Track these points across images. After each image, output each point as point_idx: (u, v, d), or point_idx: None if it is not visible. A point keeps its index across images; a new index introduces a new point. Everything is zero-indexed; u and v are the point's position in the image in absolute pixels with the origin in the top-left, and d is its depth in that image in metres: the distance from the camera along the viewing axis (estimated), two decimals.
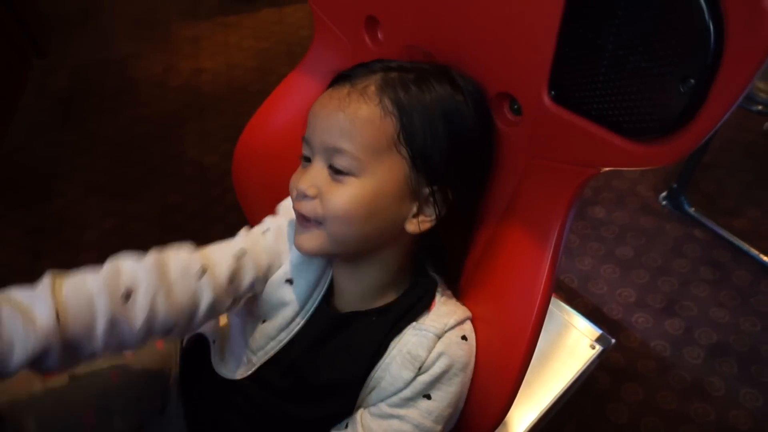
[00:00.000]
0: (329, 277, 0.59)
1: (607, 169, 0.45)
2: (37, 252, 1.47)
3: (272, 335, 0.60)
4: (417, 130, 0.52)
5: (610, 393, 1.14)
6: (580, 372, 0.97)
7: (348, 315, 0.59)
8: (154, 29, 2.36)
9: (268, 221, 0.62)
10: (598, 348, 0.99)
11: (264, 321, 0.60)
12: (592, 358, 0.98)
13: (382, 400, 0.56)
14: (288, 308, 0.59)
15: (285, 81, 0.75)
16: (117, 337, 0.47)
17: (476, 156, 0.57)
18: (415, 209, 0.54)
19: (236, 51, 2.20)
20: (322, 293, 0.59)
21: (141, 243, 1.56)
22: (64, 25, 2.40)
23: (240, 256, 0.56)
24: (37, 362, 0.44)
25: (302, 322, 0.59)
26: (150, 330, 0.49)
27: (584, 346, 1.01)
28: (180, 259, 0.52)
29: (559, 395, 0.94)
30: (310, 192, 0.53)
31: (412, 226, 0.55)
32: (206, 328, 0.68)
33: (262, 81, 1.99)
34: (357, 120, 0.51)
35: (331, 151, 0.52)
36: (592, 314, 1.22)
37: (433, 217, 0.55)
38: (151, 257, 0.51)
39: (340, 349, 0.58)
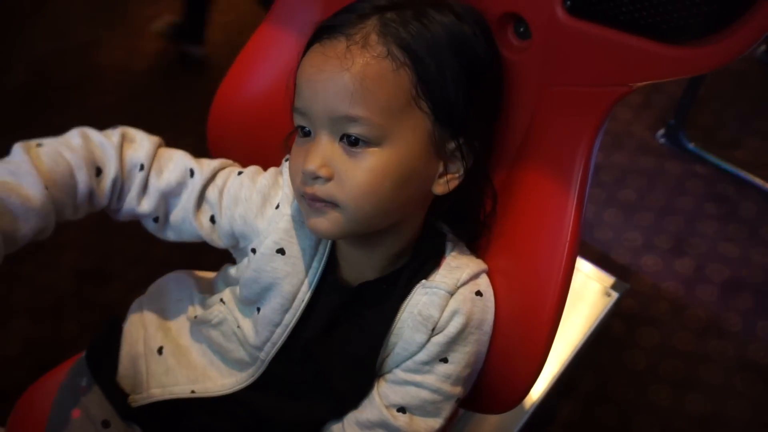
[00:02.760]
0: (328, 245, 0.53)
1: (641, 84, 0.39)
2: (15, 255, 1.40)
3: (275, 320, 0.53)
4: (433, 77, 0.45)
5: (626, 340, 1.11)
6: (598, 321, 0.93)
7: (359, 287, 0.53)
8: (111, 12, 2.24)
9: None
10: (614, 295, 0.96)
11: (259, 309, 0.54)
12: (608, 306, 0.95)
13: (397, 366, 0.52)
14: (285, 283, 0.52)
15: (255, 37, 0.67)
16: (91, 206, 0.52)
17: (494, 94, 0.51)
18: (441, 168, 0.48)
19: None
20: (324, 262, 0.52)
21: (123, 236, 1.46)
22: (15, 17, 2.27)
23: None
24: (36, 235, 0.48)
25: (306, 298, 0.52)
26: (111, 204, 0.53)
27: (599, 295, 0.97)
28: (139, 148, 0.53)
29: (578, 347, 0.91)
30: (324, 173, 0.45)
31: (441, 188, 0.49)
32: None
33: (232, 56, 1.90)
34: (367, 79, 0.44)
35: (342, 121, 0.44)
36: (599, 261, 1.19)
37: (461, 172, 0.49)
38: (117, 136, 0.53)
39: (354, 325, 0.53)
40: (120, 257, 1.36)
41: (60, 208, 0.48)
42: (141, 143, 0.53)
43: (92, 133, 0.52)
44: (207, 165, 0.55)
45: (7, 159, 0.48)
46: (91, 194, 0.50)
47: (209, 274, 0.66)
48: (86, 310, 1.28)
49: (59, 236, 1.63)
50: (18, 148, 0.49)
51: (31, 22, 2.24)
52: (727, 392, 1.04)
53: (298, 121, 0.48)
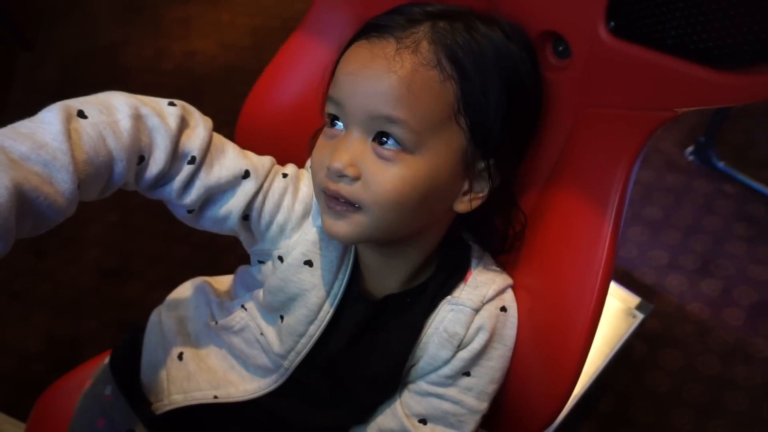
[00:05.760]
0: (352, 256, 0.52)
1: (686, 110, 0.38)
2: (39, 251, 1.42)
3: (300, 331, 0.53)
4: (476, 95, 0.45)
5: (648, 361, 1.09)
6: (621, 343, 0.91)
7: (384, 300, 0.53)
8: (142, 13, 2.27)
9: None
10: (639, 316, 0.94)
11: (282, 318, 0.53)
12: (633, 328, 0.93)
13: (420, 378, 0.53)
14: (311, 295, 0.51)
15: (287, 44, 0.67)
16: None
17: (532, 121, 0.50)
18: (466, 186, 0.48)
19: (229, 29, 2.12)
20: (348, 274, 0.52)
21: (145, 236, 1.47)
22: (50, 15, 2.32)
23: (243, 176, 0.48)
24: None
25: (332, 311, 0.52)
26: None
27: (622, 315, 0.95)
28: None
29: (600, 369, 0.89)
30: (350, 172, 0.44)
31: (463, 206, 0.48)
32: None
33: (258, 60, 1.92)
34: (415, 85, 0.43)
35: (381, 121, 0.44)
36: (623, 280, 1.17)
37: (485, 192, 0.48)
38: (176, 120, 0.46)
39: (378, 338, 0.53)
40: (141, 256, 1.38)
41: (83, 197, 0.42)
42: (196, 129, 0.47)
43: (146, 113, 0.44)
44: (261, 167, 0.50)
45: (44, 130, 0.39)
46: (124, 184, 0.44)
47: (226, 279, 0.66)
48: (106, 308, 1.29)
49: (83, 233, 1.65)
50: (57, 119, 0.40)
51: (65, 21, 2.29)
52: (753, 420, 1.01)
53: (331, 109, 0.47)
